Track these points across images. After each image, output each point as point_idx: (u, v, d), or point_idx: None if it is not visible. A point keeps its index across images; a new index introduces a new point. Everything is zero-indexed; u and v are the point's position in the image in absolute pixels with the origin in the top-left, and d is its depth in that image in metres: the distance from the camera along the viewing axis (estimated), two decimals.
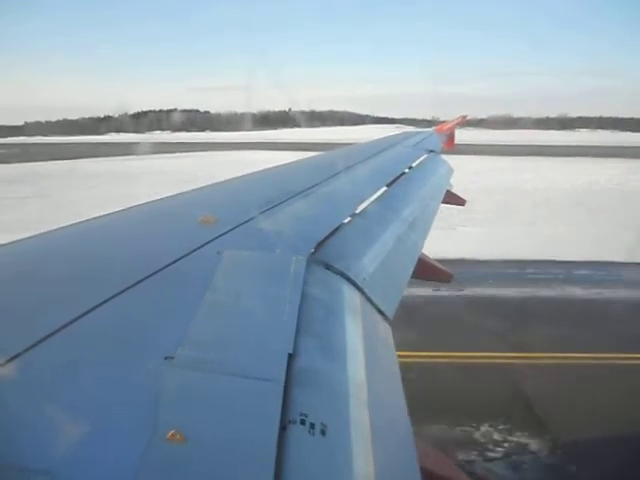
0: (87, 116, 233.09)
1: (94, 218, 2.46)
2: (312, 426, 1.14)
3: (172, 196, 3.02)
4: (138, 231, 2.33)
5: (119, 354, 1.27)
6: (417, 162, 5.51)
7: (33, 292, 1.54)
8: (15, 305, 1.44)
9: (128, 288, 1.54)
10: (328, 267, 2.14)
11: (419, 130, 9.02)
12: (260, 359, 1.36)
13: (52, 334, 1.25)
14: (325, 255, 2.23)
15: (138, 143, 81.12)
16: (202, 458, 0.98)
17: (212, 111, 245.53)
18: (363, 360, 1.62)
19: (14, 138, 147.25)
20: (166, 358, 1.24)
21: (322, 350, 1.53)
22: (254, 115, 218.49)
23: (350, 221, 2.86)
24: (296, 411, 1.17)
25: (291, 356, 1.37)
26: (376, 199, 3.54)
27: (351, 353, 1.60)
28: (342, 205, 3.12)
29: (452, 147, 8.24)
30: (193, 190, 3.22)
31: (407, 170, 4.87)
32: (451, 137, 8.58)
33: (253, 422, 1.12)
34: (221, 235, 2.14)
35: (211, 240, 2.06)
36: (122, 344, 1.32)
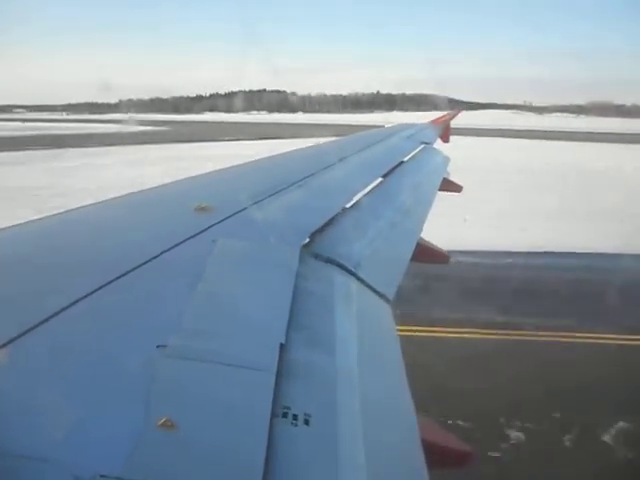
0: (177, 95, 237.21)
1: (89, 205, 2.48)
2: (303, 416, 1.15)
3: (169, 184, 3.07)
4: (133, 218, 2.36)
5: (112, 342, 1.27)
6: (413, 153, 5.54)
7: (25, 279, 1.54)
8: (6, 292, 1.44)
9: (122, 275, 1.54)
10: (322, 257, 2.17)
11: (415, 123, 8.77)
12: (252, 349, 1.37)
13: (44, 321, 1.24)
14: (319, 245, 2.27)
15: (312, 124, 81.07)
16: (192, 446, 0.98)
17: (299, 92, 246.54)
18: (359, 346, 1.63)
19: (116, 115, 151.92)
20: (158, 346, 1.24)
21: (315, 339, 1.54)
22: (344, 97, 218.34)
23: (345, 211, 2.88)
24: (288, 401, 1.18)
25: (283, 346, 1.37)
26: (372, 189, 3.57)
27: (346, 340, 1.62)
28: (337, 195, 3.15)
29: (447, 140, 8.09)
30: (189, 178, 3.28)
31: (403, 161, 4.93)
32: (447, 130, 8.44)
33: (244, 411, 1.13)
34: (216, 223, 2.15)
35: (206, 228, 2.07)
36: (115, 331, 1.32)
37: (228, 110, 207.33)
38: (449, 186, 5.50)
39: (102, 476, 0.87)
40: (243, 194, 2.60)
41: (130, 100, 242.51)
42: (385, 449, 1.27)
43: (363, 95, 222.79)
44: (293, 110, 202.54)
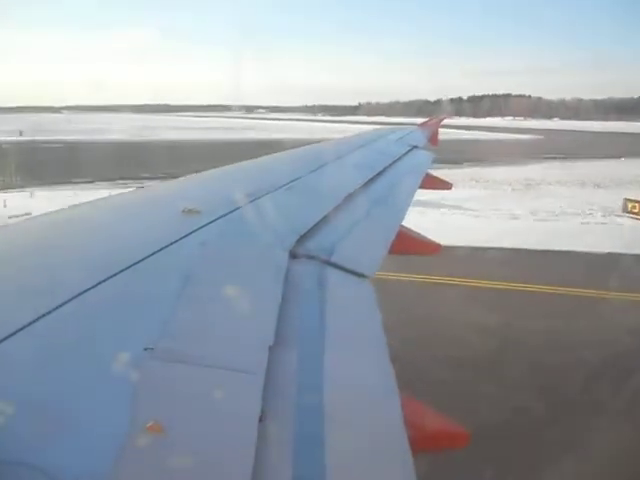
0: (414, 99, 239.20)
1: (76, 206, 2.56)
2: (291, 418, 1.15)
3: (156, 185, 3.25)
4: (121, 220, 2.33)
5: (99, 344, 1.27)
6: (400, 155, 5.50)
7: (12, 280, 1.54)
8: None
9: (109, 277, 1.53)
10: (311, 258, 2.14)
11: (402, 126, 8.76)
12: (241, 351, 1.38)
13: (31, 323, 1.24)
14: (308, 246, 2.23)
15: None
16: (180, 449, 0.98)
17: (544, 96, 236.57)
18: (346, 340, 1.65)
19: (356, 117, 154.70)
20: (146, 349, 1.23)
21: (304, 340, 1.53)
22: (603, 102, 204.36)
23: (333, 212, 2.83)
24: (276, 403, 1.17)
25: (272, 348, 1.36)
26: (358, 190, 3.50)
27: (334, 338, 1.60)
28: (325, 197, 3.16)
29: (436, 143, 7.87)
30: (178, 180, 3.31)
31: (390, 162, 4.91)
32: (435, 135, 8.18)
33: (233, 415, 1.11)
34: (204, 226, 2.13)
35: (194, 231, 2.04)
36: (102, 334, 1.31)
37: (474, 115, 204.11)
38: (438, 184, 5.77)
39: None
40: (231, 197, 2.60)
41: (369, 103, 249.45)
42: (370, 440, 1.25)
43: (622, 100, 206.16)
44: (548, 116, 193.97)
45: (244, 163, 4.18)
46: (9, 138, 61.25)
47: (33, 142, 56.37)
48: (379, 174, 4.23)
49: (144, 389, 1.10)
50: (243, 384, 1.22)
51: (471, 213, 22.92)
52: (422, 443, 1.34)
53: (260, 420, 1.08)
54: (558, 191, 29.58)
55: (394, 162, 4.98)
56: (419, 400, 1.58)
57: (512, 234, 18.44)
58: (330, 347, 1.52)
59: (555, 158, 46.77)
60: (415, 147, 6.31)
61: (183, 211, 2.22)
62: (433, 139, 7.91)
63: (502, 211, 23.41)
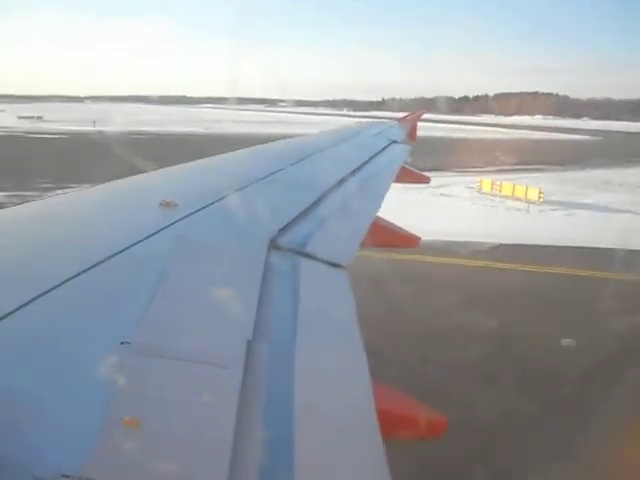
0: (439, 95, 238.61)
1: (52, 197, 2.58)
2: (268, 412, 1.15)
3: (134, 178, 3.03)
4: (97, 213, 2.31)
5: (75, 338, 1.25)
6: (379, 150, 5.49)
7: None
8: None
9: (85, 271, 1.51)
10: (289, 251, 2.12)
11: (382, 121, 8.90)
12: (219, 346, 1.36)
13: (5, 317, 1.22)
14: (286, 239, 2.21)
15: None
16: (158, 444, 0.97)
17: (572, 96, 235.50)
18: (324, 332, 1.66)
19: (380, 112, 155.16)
20: (122, 343, 1.23)
21: (282, 334, 1.51)
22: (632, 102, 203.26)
23: (311, 205, 2.82)
24: (253, 398, 1.16)
25: (250, 342, 1.35)
26: (336, 183, 3.49)
27: (312, 331, 1.58)
28: (304, 190, 3.18)
29: (415, 139, 7.90)
30: (155, 172, 3.22)
31: (368, 156, 4.93)
32: (413, 130, 8.14)
33: (210, 409, 1.10)
34: (182, 219, 2.10)
35: (171, 224, 2.02)
36: (78, 328, 1.30)
37: (501, 112, 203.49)
38: (415, 177, 6.17)
39: (64, 476, 0.85)
40: (209, 190, 2.58)
41: (393, 99, 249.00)
42: (344, 430, 1.26)
43: None
44: (576, 115, 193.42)
45: (223, 156, 4.15)
46: (88, 128, 61.77)
47: (121, 133, 56.65)
48: (358, 167, 4.31)
49: (121, 383, 1.10)
50: (221, 379, 1.22)
51: None
52: (398, 430, 1.39)
53: (238, 414, 1.09)
54: None
55: (373, 156, 5.06)
56: (395, 388, 1.62)
57: None
58: (308, 339, 1.52)
59: None
60: (394, 142, 6.39)
61: (161, 204, 2.23)
62: (412, 135, 7.89)
63: None
